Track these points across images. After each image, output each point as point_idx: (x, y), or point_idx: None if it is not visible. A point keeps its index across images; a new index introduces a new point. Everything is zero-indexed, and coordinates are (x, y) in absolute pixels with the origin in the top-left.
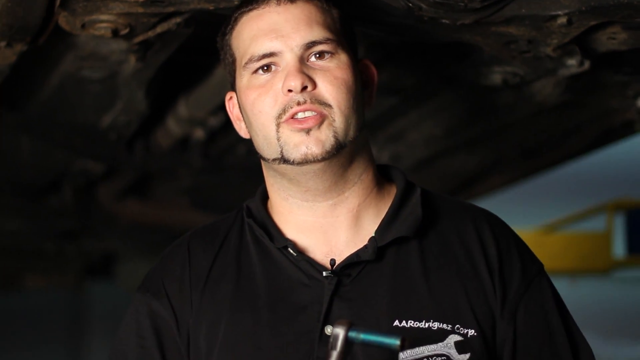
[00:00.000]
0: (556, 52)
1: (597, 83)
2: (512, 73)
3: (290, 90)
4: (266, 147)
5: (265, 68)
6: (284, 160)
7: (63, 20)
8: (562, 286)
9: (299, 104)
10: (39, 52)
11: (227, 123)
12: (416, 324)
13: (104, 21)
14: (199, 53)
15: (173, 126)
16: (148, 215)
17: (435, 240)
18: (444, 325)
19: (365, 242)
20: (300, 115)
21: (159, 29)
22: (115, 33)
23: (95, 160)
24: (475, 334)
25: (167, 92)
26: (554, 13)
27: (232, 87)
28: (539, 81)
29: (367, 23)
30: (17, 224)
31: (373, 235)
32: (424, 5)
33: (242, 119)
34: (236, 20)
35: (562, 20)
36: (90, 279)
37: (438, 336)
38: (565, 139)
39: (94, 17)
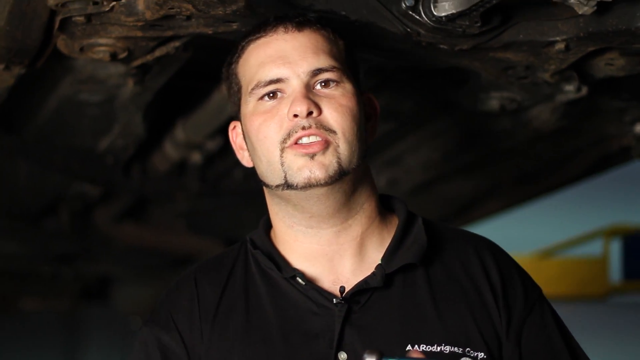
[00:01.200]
0: (554, 78)
1: (594, 109)
2: (509, 99)
3: (295, 116)
4: (270, 172)
5: (272, 95)
6: (287, 185)
7: (62, 43)
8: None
9: (304, 128)
10: (37, 75)
11: (224, 147)
12: (429, 348)
13: (103, 45)
14: (197, 77)
15: (170, 150)
16: (145, 239)
17: (440, 268)
18: (456, 349)
19: (371, 270)
20: (304, 140)
21: (158, 53)
22: (113, 57)
23: (92, 184)
24: (485, 356)
25: (165, 116)
26: (552, 39)
27: (236, 117)
28: (536, 107)
29: (365, 48)
30: (14, 246)
31: (380, 262)
32: (422, 31)
33: (245, 147)
34: (243, 49)
35: (560, 46)
36: (86, 302)
37: (451, 359)
38: (563, 164)
39: (92, 40)
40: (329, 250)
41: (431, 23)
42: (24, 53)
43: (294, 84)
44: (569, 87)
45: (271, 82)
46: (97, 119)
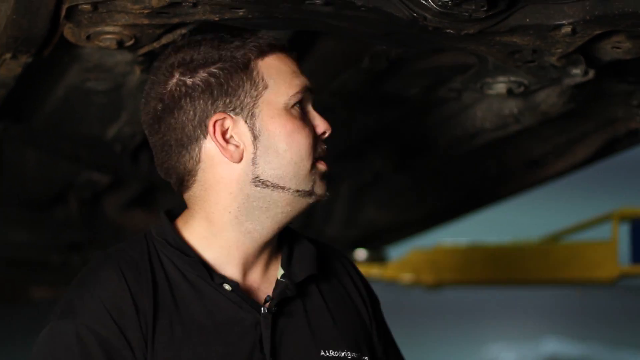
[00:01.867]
0: (560, 61)
1: (601, 92)
2: (516, 82)
3: (324, 134)
4: (295, 177)
5: (300, 103)
6: (310, 193)
7: (68, 32)
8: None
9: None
10: (44, 64)
11: None
12: (337, 353)
13: (109, 32)
14: None
15: None
16: None
17: (323, 277)
18: (354, 354)
19: (274, 279)
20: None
21: (164, 40)
22: (120, 44)
23: (101, 172)
24: None
25: None
26: (558, 22)
27: (237, 110)
28: (543, 90)
29: (371, 33)
30: (23, 235)
31: (283, 272)
32: (428, 15)
33: (241, 144)
34: (265, 52)
35: (567, 29)
36: None
37: None
38: (570, 148)
39: (99, 28)
40: (252, 258)
41: (437, 8)
42: (31, 42)
43: (311, 102)
44: (576, 71)
45: (306, 89)
46: (105, 107)
